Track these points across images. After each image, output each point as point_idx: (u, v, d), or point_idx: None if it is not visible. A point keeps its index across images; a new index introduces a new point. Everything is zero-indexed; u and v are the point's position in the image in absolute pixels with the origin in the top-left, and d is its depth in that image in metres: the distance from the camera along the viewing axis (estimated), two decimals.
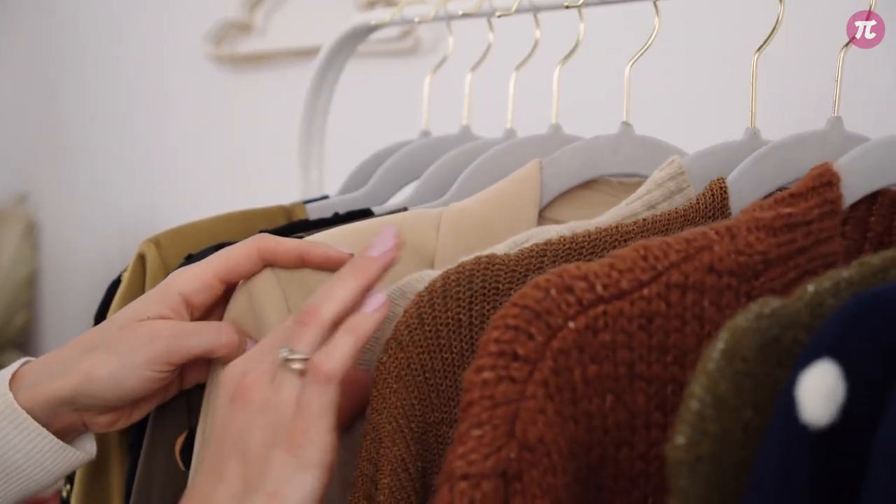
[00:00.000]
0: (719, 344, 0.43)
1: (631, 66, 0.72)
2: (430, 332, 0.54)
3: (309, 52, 1.60)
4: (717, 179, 0.62)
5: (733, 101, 1.14)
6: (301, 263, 0.64)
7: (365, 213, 0.76)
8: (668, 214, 0.60)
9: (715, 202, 0.61)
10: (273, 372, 0.55)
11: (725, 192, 0.61)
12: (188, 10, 1.88)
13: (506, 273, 0.55)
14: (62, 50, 2.20)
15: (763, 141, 0.66)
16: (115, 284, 0.77)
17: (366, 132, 1.33)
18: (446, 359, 0.55)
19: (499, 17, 0.79)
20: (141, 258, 0.75)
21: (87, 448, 0.68)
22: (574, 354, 0.46)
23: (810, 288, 0.45)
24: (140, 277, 0.75)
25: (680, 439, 0.41)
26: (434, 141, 0.88)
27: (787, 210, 0.53)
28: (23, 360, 0.67)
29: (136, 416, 0.67)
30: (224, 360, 0.63)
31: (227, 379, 0.57)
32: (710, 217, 0.61)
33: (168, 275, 0.73)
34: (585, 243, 0.57)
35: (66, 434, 0.66)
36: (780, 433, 0.41)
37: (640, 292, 0.48)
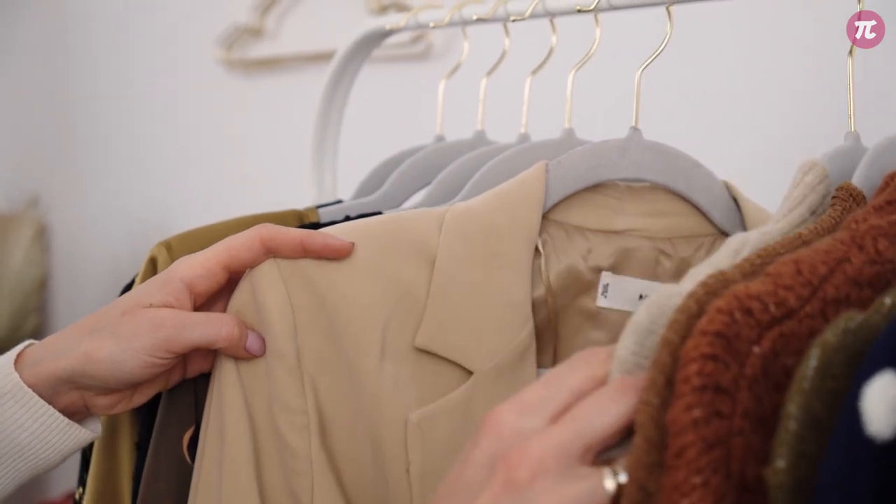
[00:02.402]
0: (812, 361, 0.41)
1: (641, 71, 0.71)
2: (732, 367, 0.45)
3: (320, 57, 1.60)
4: (849, 184, 0.59)
5: (746, 106, 1.14)
6: (302, 252, 0.64)
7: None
8: (828, 220, 0.57)
9: (859, 207, 0.58)
10: (566, 459, 0.45)
11: (864, 197, 0.59)
12: (199, 15, 1.88)
13: None
14: (72, 55, 2.20)
15: (863, 146, 0.65)
16: (128, 288, 0.77)
17: (377, 137, 1.32)
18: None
19: (513, 21, 0.79)
20: (152, 261, 0.76)
21: (93, 427, 0.68)
22: (762, 382, 0.43)
23: (887, 300, 0.44)
24: None
25: (780, 463, 0.40)
26: (448, 146, 0.88)
27: (895, 217, 0.51)
28: (27, 342, 0.68)
29: (138, 400, 0.68)
30: (225, 352, 0.64)
31: (492, 433, 0.47)
32: None
33: None
34: (787, 255, 0.52)
35: (70, 415, 0.67)
36: (845, 446, 0.39)
37: (804, 310, 0.45)
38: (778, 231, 0.57)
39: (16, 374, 0.64)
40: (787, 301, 0.45)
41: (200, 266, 0.65)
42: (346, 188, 1.00)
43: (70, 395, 0.66)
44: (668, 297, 0.50)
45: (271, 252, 0.65)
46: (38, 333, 2.26)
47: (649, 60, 0.71)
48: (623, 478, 0.44)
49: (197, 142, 1.94)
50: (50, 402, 0.65)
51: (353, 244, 0.64)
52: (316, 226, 0.76)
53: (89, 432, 0.67)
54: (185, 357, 0.68)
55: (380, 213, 0.77)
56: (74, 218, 2.23)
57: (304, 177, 1.01)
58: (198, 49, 1.86)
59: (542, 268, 0.67)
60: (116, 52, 2.10)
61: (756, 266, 0.51)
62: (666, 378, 0.45)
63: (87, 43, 2.17)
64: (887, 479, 0.39)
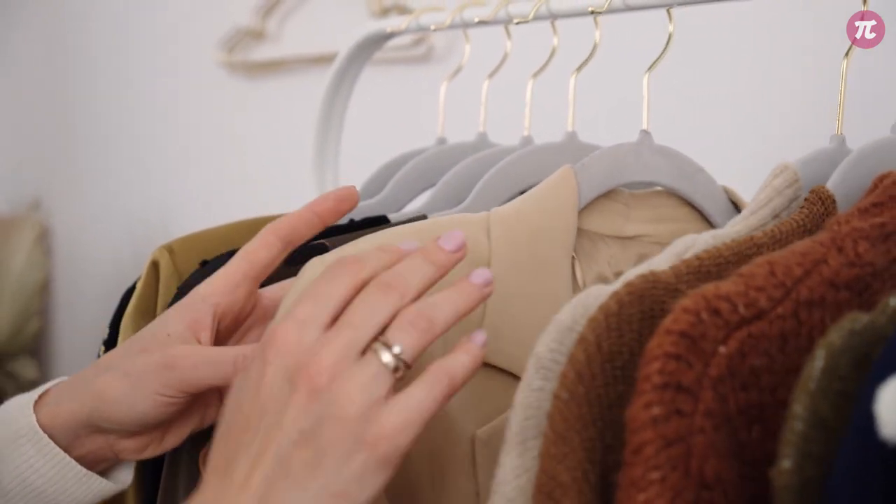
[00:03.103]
0: (818, 362, 0.41)
1: (648, 73, 0.71)
2: (607, 361, 0.47)
3: (322, 60, 1.60)
4: (821, 188, 0.59)
5: (747, 108, 1.14)
6: (320, 222, 0.63)
7: (381, 220, 0.75)
8: (789, 224, 0.57)
9: (826, 211, 0.58)
10: (352, 357, 0.50)
11: (834, 200, 0.59)
12: (199, 15, 1.88)
13: (670, 293, 0.50)
14: (74, 58, 2.20)
15: (847, 148, 0.65)
16: (130, 292, 0.77)
17: (378, 139, 1.32)
18: (622, 391, 0.47)
19: (517, 24, 0.79)
20: (154, 265, 0.75)
21: (121, 477, 0.65)
22: (728, 382, 0.43)
23: (892, 301, 0.44)
24: (153, 284, 0.75)
25: (786, 463, 0.40)
26: (450, 148, 0.88)
27: (879, 220, 0.51)
28: (58, 379, 0.65)
29: (170, 442, 0.64)
30: None
31: (281, 350, 0.50)
32: (820, 227, 0.58)
33: (181, 281, 0.72)
34: (732, 257, 0.54)
35: (97, 462, 0.63)
36: (856, 449, 0.39)
37: (775, 311, 0.45)
38: (734, 234, 0.57)
39: (32, 417, 0.61)
40: (757, 302, 0.45)
41: (222, 281, 0.62)
42: None
43: (93, 440, 0.62)
44: (595, 297, 0.51)
45: (291, 243, 0.62)
46: (41, 336, 2.26)
47: (655, 62, 0.71)
48: (398, 349, 0.51)
49: (197, 142, 1.94)
50: (69, 448, 0.62)
51: (354, 187, 0.63)
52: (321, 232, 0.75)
53: (111, 484, 0.64)
54: (220, 391, 0.64)
55: (384, 216, 0.76)
56: (75, 219, 2.23)
57: (305, 179, 1.01)
58: (198, 49, 1.86)
59: (579, 275, 0.65)
60: (116, 52, 2.10)
61: (693, 268, 0.52)
62: (577, 374, 0.46)
63: (87, 43, 2.17)
64: None
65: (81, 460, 0.63)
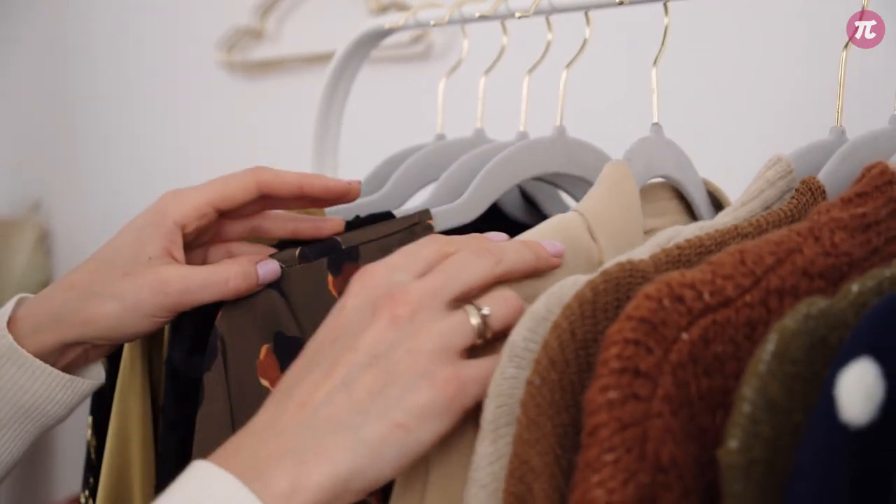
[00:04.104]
0: (769, 346, 0.42)
1: (655, 66, 0.71)
2: (581, 348, 0.48)
3: (322, 58, 1.60)
4: (811, 178, 0.60)
5: (742, 105, 1.14)
6: (301, 193, 0.66)
7: (385, 216, 0.76)
8: (776, 214, 0.58)
9: (816, 202, 0.59)
10: (438, 302, 0.51)
11: (823, 191, 0.59)
12: (199, 15, 1.88)
13: (648, 281, 0.49)
14: (74, 59, 2.20)
15: (846, 140, 0.65)
16: None
17: (379, 137, 1.33)
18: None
19: (519, 17, 0.79)
20: None
21: (95, 374, 0.69)
22: (689, 368, 0.44)
23: (854, 287, 0.44)
24: None
25: (733, 443, 0.40)
26: (448, 144, 0.88)
27: (861, 210, 0.51)
28: (16, 298, 0.67)
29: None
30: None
31: (368, 284, 0.53)
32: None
33: None
34: (713, 246, 0.54)
35: (74, 366, 0.67)
36: (820, 432, 0.40)
37: (743, 299, 0.46)
38: (719, 225, 0.58)
39: (9, 336, 0.64)
40: (724, 290, 0.46)
41: (193, 208, 0.65)
42: None
43: (74, 350, 0.67)
44: (571, 286, 0.51)
45: (266, 195, 0.66)
46: None
47: (657, 56, 0.71)
48: (486, 311, 0.52)
49: (198, 144, 1.94)
50: (55, 363, 0.65)
51: (359, 182, 0.65)
52: None
53: (92, 381, 0.68)
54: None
55: (389, 211, 0.77)
56: (75, 220, 2.23)
57: None
58: (198, 49, 1.86)
59: None
60: (116, 52, 2.10)
61: (673, 257, 0.53)
62: (550, 360, 0.47)
63: (87, 43, 2.17)
64: (863, 465, 0.40)
65: (64, 368, 0.67)
